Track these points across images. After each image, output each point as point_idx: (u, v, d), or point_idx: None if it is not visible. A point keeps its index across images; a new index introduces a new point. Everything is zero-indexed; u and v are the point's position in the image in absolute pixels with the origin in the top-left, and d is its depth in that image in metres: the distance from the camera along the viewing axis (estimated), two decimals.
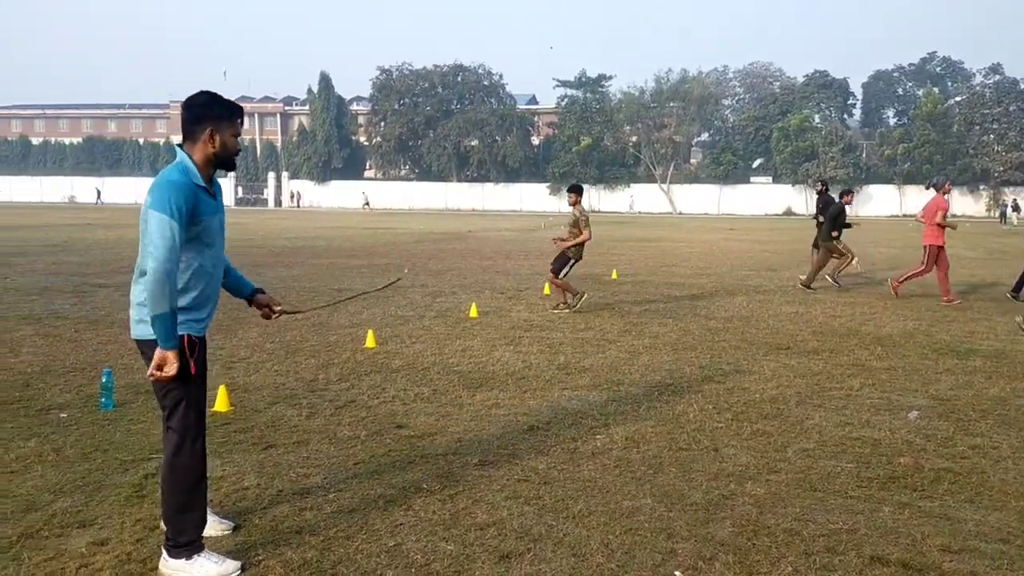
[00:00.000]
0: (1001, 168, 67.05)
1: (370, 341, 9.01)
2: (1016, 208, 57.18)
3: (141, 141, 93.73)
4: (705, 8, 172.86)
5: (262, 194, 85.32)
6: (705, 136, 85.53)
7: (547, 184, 79.51)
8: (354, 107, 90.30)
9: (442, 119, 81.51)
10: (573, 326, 10.53)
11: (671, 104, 77.50)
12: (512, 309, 11.97)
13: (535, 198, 78.78)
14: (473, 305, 11.56)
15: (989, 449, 5.57)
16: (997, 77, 71.50)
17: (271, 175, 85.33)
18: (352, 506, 4.46)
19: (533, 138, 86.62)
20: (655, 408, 6.58)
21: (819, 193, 17.92)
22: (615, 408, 6.57)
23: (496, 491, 4.69)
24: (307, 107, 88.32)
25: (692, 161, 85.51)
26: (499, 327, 10.40)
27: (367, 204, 75.00)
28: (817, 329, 10.39)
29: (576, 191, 11.80)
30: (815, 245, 16.14)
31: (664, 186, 77.26)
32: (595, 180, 78.38)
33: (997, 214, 57.21)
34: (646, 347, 9.18)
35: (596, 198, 78.73)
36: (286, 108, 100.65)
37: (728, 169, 76.09)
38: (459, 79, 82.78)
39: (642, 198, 77.58)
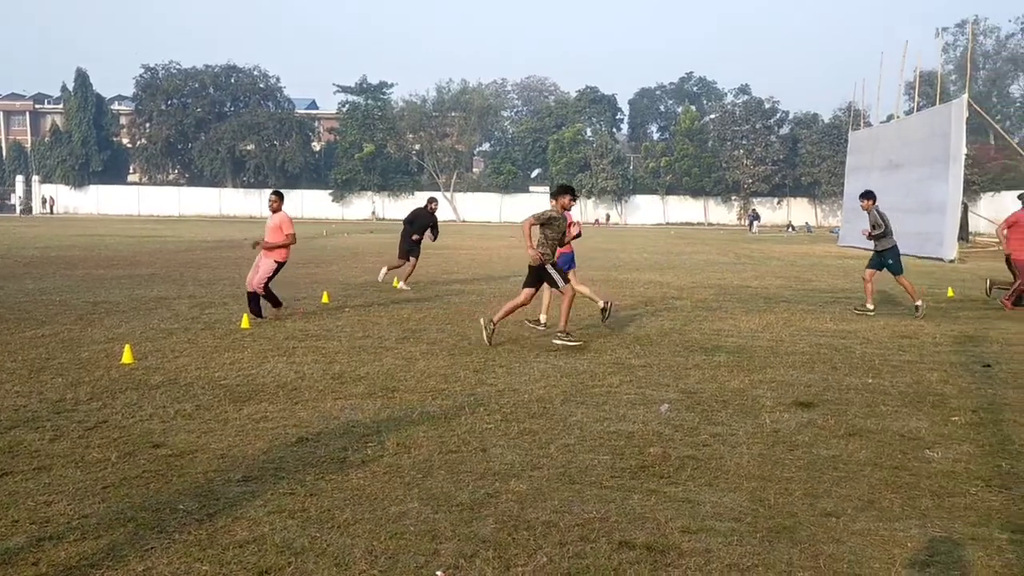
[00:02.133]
0: (750, 180, 73.78)
1: (127, 357, 8.44)
2: (756, 217, 63.04)
3: None
4: (484, 20, 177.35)
5: (8, 199, 77.51)
6: (486, 146, 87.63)
7: (329, 191, 78.18)
8: (115, 107, 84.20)
9: (215, 121, 78.00)
10: (351, 334, 10.42)
11: (453, 114, 78.77)
12: (288, 319, 11.66)
13: (317, 205, 77.23)
14: (244, 316, 11.14)
15: (728, 436, 6.11)
16: (745, 97, 78.53)
17: (19, 179, 77.76)
18: (99, 533, 4.17)
19: (314, 144, 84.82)
20: (428, 413, 6.66)
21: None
22: (388, 415, 6.58)
23: (259, 507, 4.56)
24: (61, 105, 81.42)
25: (474, 170, 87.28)
26: (272, 338, 10.10)
27: None
28: (583, 332, 10.94)
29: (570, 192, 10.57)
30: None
31: (447, 194, 78.27)
32: (379, 187, 78.11)
33: (747, 222, 62.85)
34: (423, 353, 9.27)
35: (380, 206, 78.40)
36: (37, 106, 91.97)
37: (508, 178, 78.41)
38: (232, 80, 79.58)
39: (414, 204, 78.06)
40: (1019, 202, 14.64)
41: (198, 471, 5.14)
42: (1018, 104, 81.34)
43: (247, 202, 78.79)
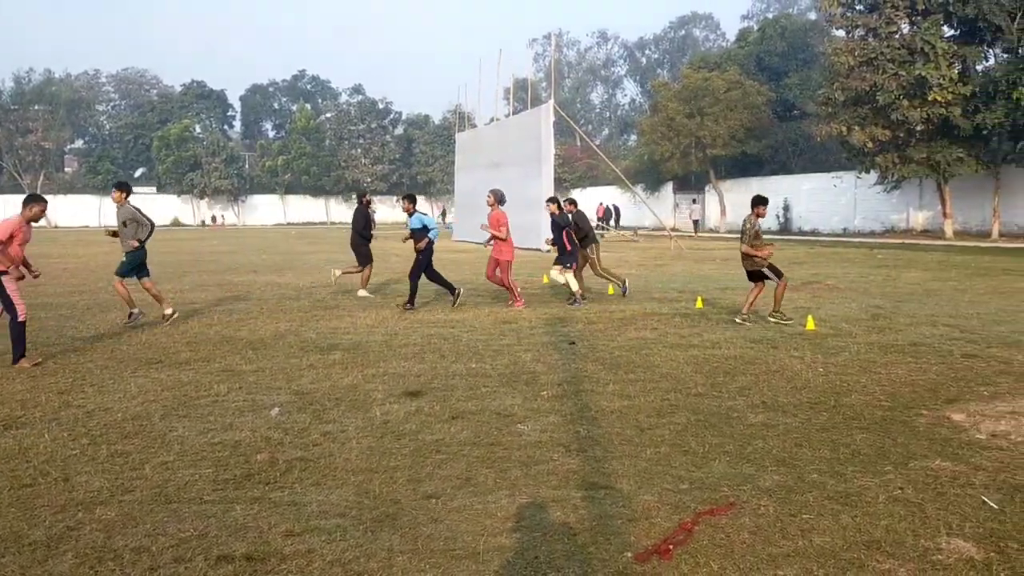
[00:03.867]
0: (369, 179, 75.32)
1: None
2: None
3: None
4: (68, 5, 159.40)
5: None
6: (80, 143, 79.30)
7: None
8: None
9: None
10: None
11: (36, 107, 70.10)
12: None
13: None
14: None
15: (338, 433, 6.14)
16: (360, 97, 79.97)
17: None
18: None
19: None
20: None
21: None
22: None
23: None
24: None
25: (67, 170, 78.53)
26: None
27: None
28: (192, 339, 10.34)
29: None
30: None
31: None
32: None
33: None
34: None
35: None
36: None
37: (107, 178, 71.62)
38: None
39: (9, 211, 68.71)
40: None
41: None
42: (597, 110, 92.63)
43: None
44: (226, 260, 25.94)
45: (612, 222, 47.56)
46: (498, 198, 13.67)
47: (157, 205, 72.30)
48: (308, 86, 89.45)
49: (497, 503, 4.69)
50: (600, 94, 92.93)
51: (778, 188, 44.67)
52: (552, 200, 14.25)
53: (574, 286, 13.74)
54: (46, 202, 9.33)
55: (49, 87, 70.66)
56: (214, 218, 72.12)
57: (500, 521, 4.43)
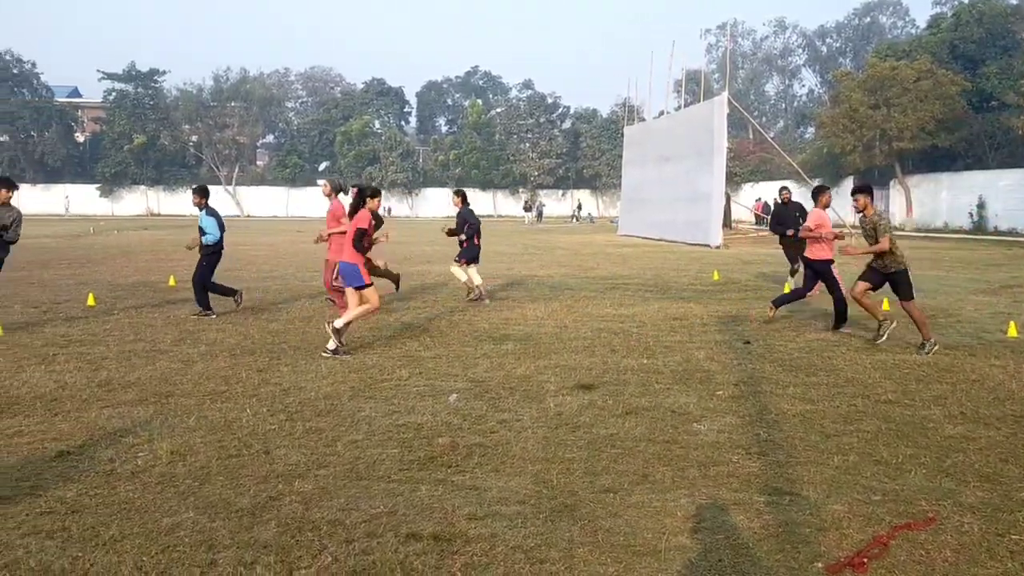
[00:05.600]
0: (536, 173, 76.11)
1: None
2: (528, 208, 65.27)
3: None
4: (261, 6, 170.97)
5: None
6: (270, 138, 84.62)
7: (97, 185, 72.56)
8: None
9: None
10: (120, 338, 9.71)
11: (233, 104, 75.35)
12: (47, 324, 10.68)
13: (84, 201, 71.41)
14: None
15: (514, 422, 6.25)
16: (529, 92, 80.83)
17: None
18: None
19: (77, 135, 78.29)
20: (206, 418, 6.32)
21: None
22: (161, 422, 6.18)
23: (11, 529, 4.14)
24: None
25: (258, 163, 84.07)
26: (29, 345, 9.22)
27: None
28: (373, 325, 10.83)
29: (865, 192, 9.53)
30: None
31: (230, 188, 74.89)
32: (153, 181, 73.55)
33: (535, 214, 64.85)
34: (201, 355, 8.79)
35: (155, 200, 73.79)
36: None
37: (295, 171, 76.20)
38: None
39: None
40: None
41: None
42: (772, 102, 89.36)
43: None
44: (401, 251, 26.94)
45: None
46: (335, 187, 12.11)
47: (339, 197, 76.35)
48: (480, 82, 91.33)
49: (676, 502, 4.63)
50: (775, 85, 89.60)
51: (972, 184, 41.54)
52: (457, 192, 13.71)
53: (474, 280, 13.46)
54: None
55: (244, 85, 75.68)
56: (388, 210, 75.06)
57: (680, 520, 4.37)
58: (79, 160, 74.72)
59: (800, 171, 39.73)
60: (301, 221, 60.62)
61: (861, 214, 9.61)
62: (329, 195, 11.95)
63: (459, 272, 13.67)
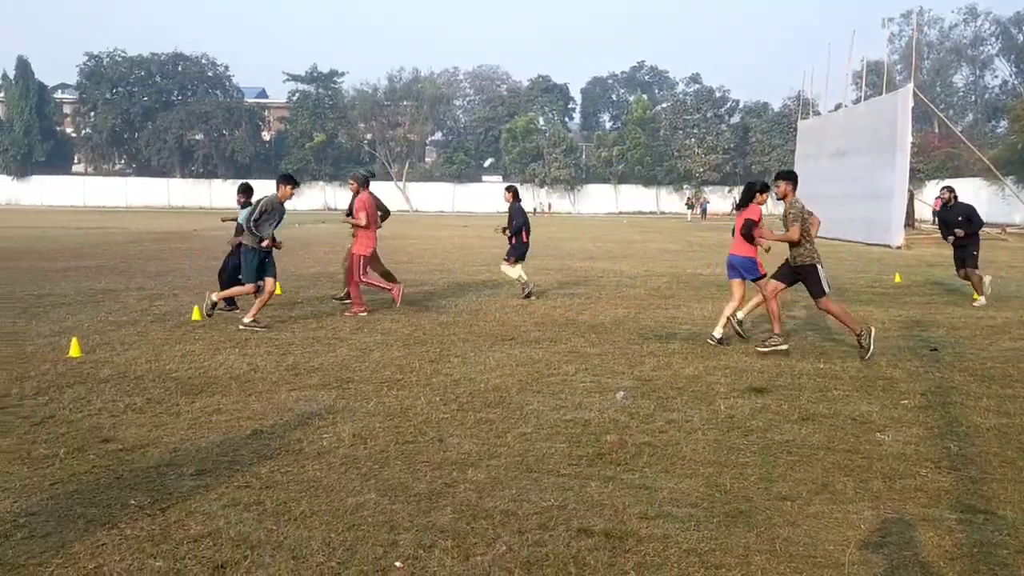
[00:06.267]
0: (701, 169, 74.57)
1: (74, 350, 8.24)
2: (691, 205, 63.84)
3: None
4: (435, 7, 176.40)
5: None
6: (439, 135, 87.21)
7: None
8: (58, 95, 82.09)
9: (162, 111, 76.48)
10: (304, 325, 10.30)
11: (405, 103, 78.21)
12: (239, 311, 11.46)
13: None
14: (195, 308, 10.94)
15: (683, 423, 6.16)
16: (696, 86, 79.26)
17: None
18: (47, 530, 4.06)
19: (264, 133, 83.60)
20: (383, 404, 6.60)
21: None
22: (343, 406, 6.51)
23: (213, 500, 4.48)
24: (1, 94, 79.04)
25: (427, 160, 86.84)
26: (224, 330, 9.94)
27: None
28: (539, 320, 10.95)
29: (787, 179, 9.07)
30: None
31: (400, 184, 77.77)
32: (330, 177, 77.38)
33: (699, 211, 63.55)
34: (377, 344, 9.19)
35: (332, 195, 77.63)
36: None
37: (461, 168, 78.20)
38: (180, 69, 78.13)
39: (380, 196, 77.53)
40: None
41: (150, 465, 5.03)
42: (960, 94, 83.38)
43: (196, 193, 77.42)
44: (565, 246, 27.10)
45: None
46: (360, 182, 11.67)
47: (502, 192, 77.80)
48: (646, 77, 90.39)
49: (859, 514, 4.41)
50: (964, 76, 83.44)
51: None
52: (509, 188, 13.56)
53: (519, 275, 13.26)
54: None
55: (416, 84, 78.46)
56: (549, 205, 75.62)
57: (864, 534, 4.17)
58: (265, 157, 79.73)
59: (992, 167, 36.88)
60: (466, 216, 62.17)
61: (782, 201, 9.10)
62: (356, 191, 11.67)
63: (510, 271, 13.48)
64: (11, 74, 76.00)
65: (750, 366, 8.17)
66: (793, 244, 8.85)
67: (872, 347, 8.56)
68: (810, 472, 5.08)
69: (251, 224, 9.98)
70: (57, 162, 79.13)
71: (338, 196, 77.24)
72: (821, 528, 4.23)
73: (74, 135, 79.93)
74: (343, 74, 79.25)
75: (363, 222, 11.18)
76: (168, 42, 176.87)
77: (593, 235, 35.01)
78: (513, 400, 6.74)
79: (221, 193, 75.98)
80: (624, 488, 4.76)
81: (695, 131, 76.03)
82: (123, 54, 76.86)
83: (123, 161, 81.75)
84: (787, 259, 9.13)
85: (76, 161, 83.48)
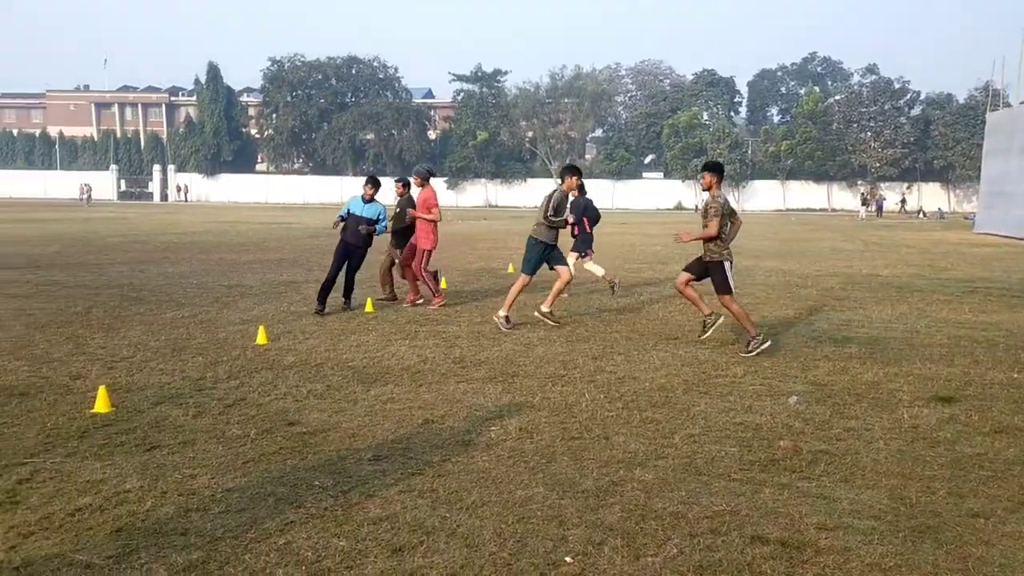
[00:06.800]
0: (877, 164, 70.64)
1: (261, 337, 8.81)
2: (865, 202, 60.35)
3: (15, 132, 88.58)
4: (598, 5, 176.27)
5: (147, 188, 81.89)
6: (599, 132, 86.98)
7: (444, 179, 79.34)
8: (244, 98, 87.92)
9: (336, 112, 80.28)
10: (469, 319, 10.55)
11: (566, 100, 78.52)
12: (399, 302, 11.89)
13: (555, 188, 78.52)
14: (368, 300, 11.43)
15: (863, 431, 5.86)
16: (873, 77, 75.13)
17: (156, 168, 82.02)
18: (241, 505, 4.36)
19: (430, 132, 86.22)
20: (549, 399, 6.67)
21: None
22: (509, 400, 6.62)
23: (389, 485, 4.67)
24: (194, 98, 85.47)
25: (587, 156, 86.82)
26: (395, 321, 10.33)
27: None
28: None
29: (712, 171, 8.94)
30: None
31: (558, 181, 78.15)
32: (492, 175, 78.75)
33: (874, 208, 60.29)
34: (541, 339, 9.28)
35: (493, 193, 79.07)
36: (172, 99, 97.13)
37: (621, 165, 77.65)
38: (353, 71, 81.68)
39: (539, 192, 78.40)
40: None
41: (331, 449, 5.31)
42: None
43: None
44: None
45: None
46: (424, 177, 11.81)
47: (663, 189, 76.79)
48: (818, 68, 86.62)
49: None
50: None
51: None
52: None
53: (601, 273, 13.18)
54: None
55: (577, 81, 78.61)
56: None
57: None
58: (430, 156, 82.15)
59: None
60: (624, 213, 61.75)
61: (706, 193, 8.90)
62: (421, 185, 11.73)
63: (594, 268, 13.29)
64: (203, 79, 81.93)
65: (935, 374, 7.67)
66: (709, 239, 8.66)
67: (760, 349, 8.39)
68: (1005, 488, 4.72)
69: (548, 215, 10.01)
70: (242, 161, 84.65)
71: (499, 194, 78.57)
72: (1020, 549, 3.92)
73: (257, 136, 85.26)
74: (506, 73, 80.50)
75: (438, 217, 11.48)
76: (343, 46, 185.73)
77: (759, 232, 33.89)
78: (679, 400, 6.64)
79: (389, 190, 78.75)
80: (800, 496, 4.58)
81: (871, 124, 72.07)
82: (302, 59, 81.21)
83: (301, 160, 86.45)
84: (701, 252, 8.95)
85: (259, 160, 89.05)
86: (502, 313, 9.97)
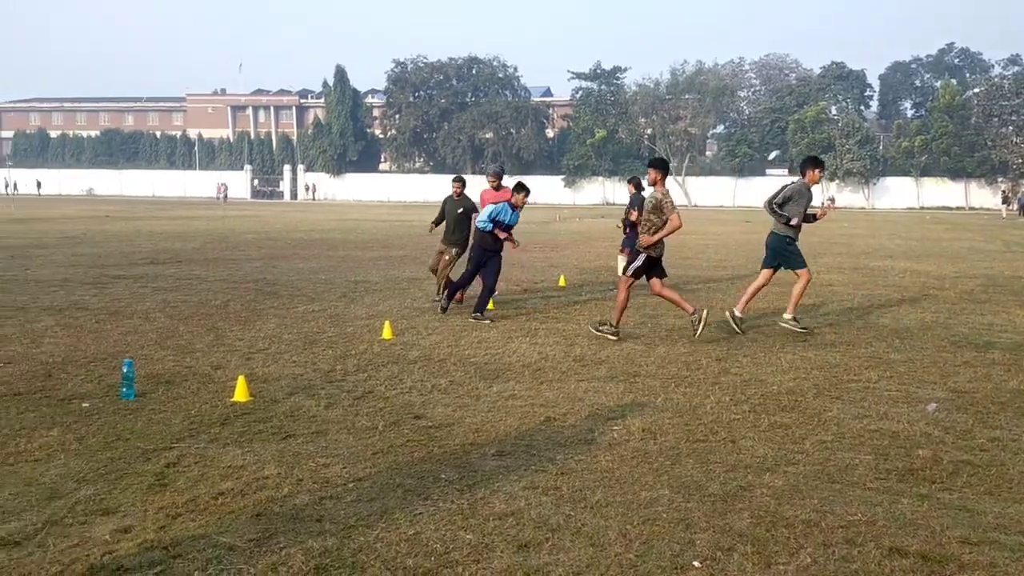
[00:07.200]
0: (1020, 160, 66.41)
1: (387, 332, 9.05)
2: (1007, 200, 56.70)
3: (158, 134, 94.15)
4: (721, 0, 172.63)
5: (278, 187, 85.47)
6: (720, 128, 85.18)
7: (562, 176, 79.39)
8: (369, 100, 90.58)
9: (457, 111, 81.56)
10: (588, 318, 10.52)
11: (686, 96, 77.22)
12: (528, 301, 11.98)
13: (550, 191, 78.62)
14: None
15: (1009, 442, 5.53)
16: (1016, 69, 70.75)
17: (287, 168, 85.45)
18: (372, 495, 4.49)
19: (547, 130, 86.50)
20: (672, 400, 6.58)
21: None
22: (632, 399, 6.57)
23: (514, 481, 4.71)
24: (323, 100, 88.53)
25: (707, 153, 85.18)
26: (515, 319, 10.42)
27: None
28: (833, 322, 10.35)
29: (658, 167, 9.23)
30: None
31: (679, 178, 76.93)
32: (609, 172, 78.27)
33: (1016, 206, 56.72)
34: (662, 339, 9.18)
35: (611, 190, 78.57)
36: (302, 101, 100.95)
37: (743, 161, 75.78)
38: (474, 71, 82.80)
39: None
40: None
41: (456, 443, 5.40)
42: None
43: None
44: (859, 243, 25.40)
45: None
46: (500, 176, 11.84)
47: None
48: (955, 60, 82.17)
49: None
50: None
51: None
52: (631, 180, 13.28)
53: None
54: None
55: (699, 77, 77.17)
56: (832, 199, 70.99)
57: None
58: (548, 154, 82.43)
59: None
60: (748, 211, 60.18)
61: (652, 188, 9.11)
62: (497, 185, 11.61)
63: (620, 262, 12.87)
64: (330, 81, 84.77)
65: None
66: (640, 229, 9.13)
67: (602, 335, 9.04)
68: None
69: (774, 206, 9.83)
70: (366, 161, 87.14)
71: (616, 192, 78.03)
72: None
73: (381, 136, 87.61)
74: (626, 70, 79.90)
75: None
76: (464, 47, 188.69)
77: (891, 231, 32.41)
78: (810, 405, 6.43)
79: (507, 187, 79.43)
80: (941, 508, 4.36)
81: (1013, 118, 67.76)
82: (424, 60, 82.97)
83: (422, 159, 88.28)
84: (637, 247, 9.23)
85: (382, 160, 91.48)
86: (738, 313, 9.71)
